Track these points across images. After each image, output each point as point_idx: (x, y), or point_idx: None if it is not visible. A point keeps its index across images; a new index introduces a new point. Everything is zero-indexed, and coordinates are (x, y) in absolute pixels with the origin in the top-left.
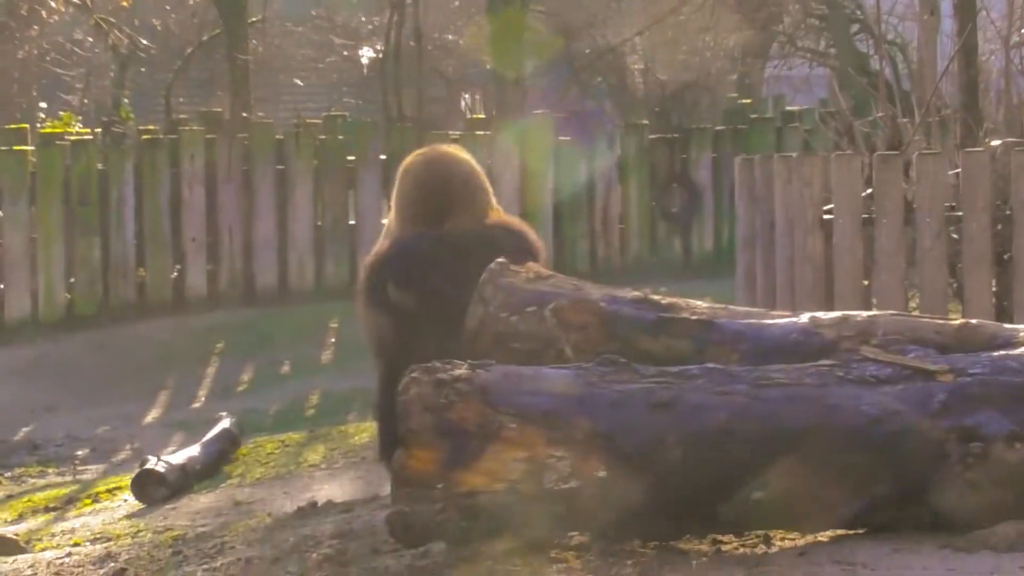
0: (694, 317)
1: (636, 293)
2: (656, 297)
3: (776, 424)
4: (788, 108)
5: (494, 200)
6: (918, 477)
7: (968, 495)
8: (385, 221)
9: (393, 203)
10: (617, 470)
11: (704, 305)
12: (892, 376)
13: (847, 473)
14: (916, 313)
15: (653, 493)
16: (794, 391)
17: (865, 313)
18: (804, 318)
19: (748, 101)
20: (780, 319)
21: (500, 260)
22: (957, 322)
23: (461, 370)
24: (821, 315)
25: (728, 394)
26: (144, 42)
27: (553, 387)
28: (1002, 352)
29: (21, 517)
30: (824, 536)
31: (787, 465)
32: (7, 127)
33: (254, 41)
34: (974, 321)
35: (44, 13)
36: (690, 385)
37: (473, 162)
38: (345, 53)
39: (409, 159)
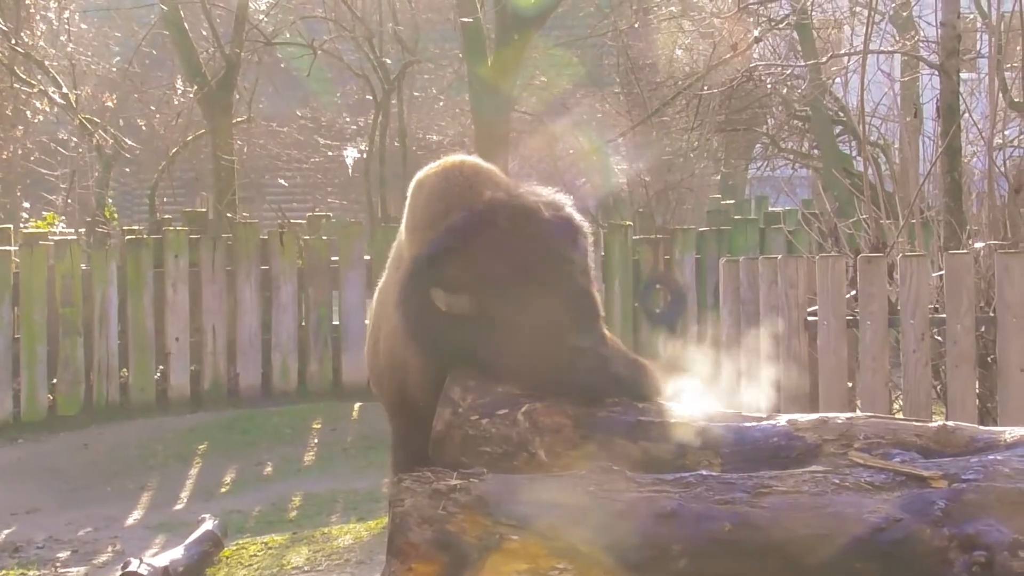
0: (672, 420)
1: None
2: (632, 400)
3: (780, 533)
4: (771, 209)
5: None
6: None
7: None
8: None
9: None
10: None
11: (678, 408)
12: (887, 483)
13: None
14: (893, 415)
15: None
16: (794, 499)
17: (843, 416)
18: (782, 421)
19: (731, 202)
20: (758, 422)
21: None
22: (935, 425)
23: (454, 480)
24: (799, 418)
25: (729, 503)
26: (128, 142)
27: (553, 497)
28: (991, 457)
29: None
30: None
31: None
32: None
33: (239, 141)
34: (951, 424)
35: (28, 113)
36: (690, 493)
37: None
38: (330, 153)
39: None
